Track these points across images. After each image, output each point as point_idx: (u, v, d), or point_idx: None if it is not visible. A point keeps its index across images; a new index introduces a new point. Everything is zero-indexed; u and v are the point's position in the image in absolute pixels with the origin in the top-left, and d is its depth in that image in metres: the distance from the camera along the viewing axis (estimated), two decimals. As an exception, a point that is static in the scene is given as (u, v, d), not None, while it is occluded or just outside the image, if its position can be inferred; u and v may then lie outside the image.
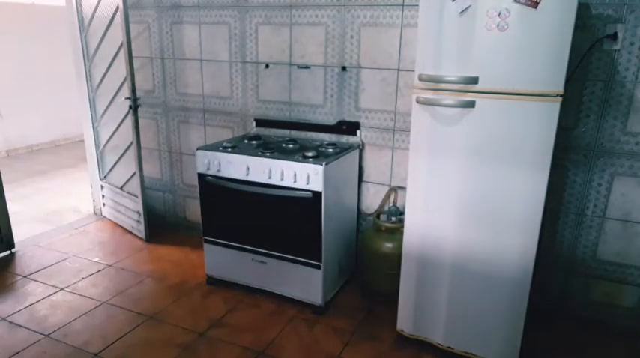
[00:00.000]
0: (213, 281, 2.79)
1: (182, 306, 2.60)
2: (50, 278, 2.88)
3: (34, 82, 6.00)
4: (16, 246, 3.26)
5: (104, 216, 3.88)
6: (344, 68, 2.71)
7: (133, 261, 3.11)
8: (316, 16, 2.71)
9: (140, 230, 3.42)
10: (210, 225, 2.71)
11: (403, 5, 2.48)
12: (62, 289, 2.77)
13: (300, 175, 2.35)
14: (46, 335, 2.34)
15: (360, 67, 2.67)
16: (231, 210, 2.61)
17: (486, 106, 1.84)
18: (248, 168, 2.47)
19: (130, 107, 3.12)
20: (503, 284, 1.98)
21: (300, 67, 2.83)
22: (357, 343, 2.31)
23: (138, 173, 3.26)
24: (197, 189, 2.69)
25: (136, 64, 3.24)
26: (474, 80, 1.82)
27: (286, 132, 2.97)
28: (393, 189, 2.74)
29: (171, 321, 2.46)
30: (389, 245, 2.53)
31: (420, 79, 1.92)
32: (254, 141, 2.73)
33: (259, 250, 2.61)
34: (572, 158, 2.36)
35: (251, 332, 2.38)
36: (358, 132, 2.75)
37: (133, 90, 3.10)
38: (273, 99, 2.97)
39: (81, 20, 3.55)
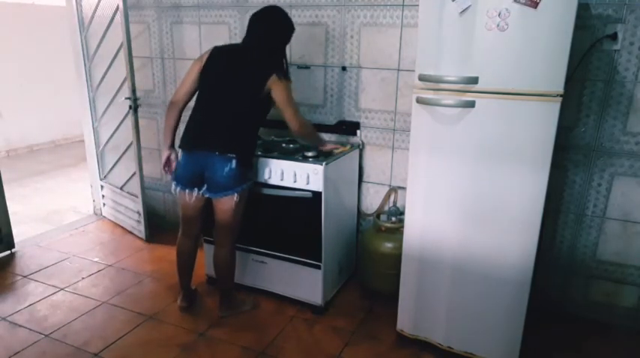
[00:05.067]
0: (213, 281, 2.79)
1: (184, 311, 2.58)
2: (50, 278, 2.88)
3: (34, 82, 6.00)
4: (16, 246, 3.26)
5: (104, 216, 3.88)
6: (344, 68, 2.71)
7: (133, 261, 3.12)
8: (316, 16, 2.71)
9: (140, 230, 3.42)
10: (210, 225, 2.70)
11: (403, 5, 2.48)
12: (62, 289, 2.77)
13: (300, 175, 2.35)
14: (46, 335, 2.34)
15: (360, 67, 2.67)
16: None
17: (486, 106, 1.84)
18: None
19: (130, 107, 3.12)
20: (503, 284, 1.98)
21: (300, 67, 2.83)
22: (357, 343, 2.31)
23: (138, 173, 3.26)
24: (197, 189, 2.69)
25: (136, 64, 3.23)
26: (474, 80, 1.82)
27: (286, 132, 2.96)
28: (393, 189, 2.74)
29: (171, 321, 2.46)
30: (389, 245, 2.53)
31: (420, 79, 1.92)
32: (254, 141, 2.73)
33: (259, 250, 2.61)
34: (572, 158, 2.36)
35: (251, 332, 2.38)
36: (358, 132, 2.75)
37: (133, 91, 3.10)
38: (273, 99, 2.97)
39: (81, 20, 3.55)
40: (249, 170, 2.29)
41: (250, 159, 2.30)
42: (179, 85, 2.34)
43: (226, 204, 2.24)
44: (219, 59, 2.24)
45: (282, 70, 2.20)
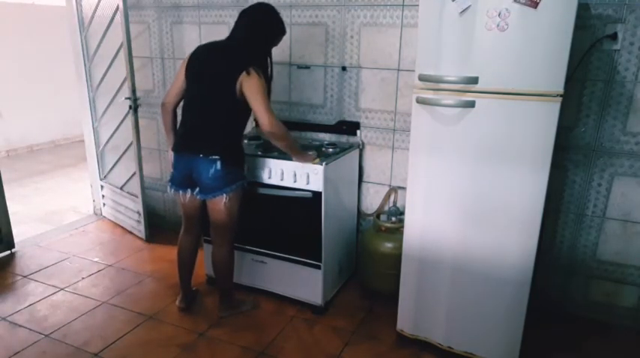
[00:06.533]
0: (212, 281, 2.78)
1: (183, 311, 2.59)
2: (50, 278, 2.88)
3: (34, 82, 6.00)
4: (16, 246, 3.26)
5: (104, 216, 3.88)
6: (344, 68, 2.71)
7: (133, 261, 3.12)
8: (316, 16, 2.71)
9: (140, 230, 3.42)
10: (207, 225, 2.70)
11: (403, 5, 2.48)
12: (62, 289, 2.77)
13: (300, 175, 2.35)
14: (46, 335, 2.34)
15: (360, 67, 2.67)
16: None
17: (486, 106, 1.84)
18: (248, 168, 2.47)
19: (130, 107, 3.12)
20: (503, 284, 1.98)
21: (300, 67, 2.83)
22: (357, 343, 2.31)
23: (138, 173, 3.26)
24: (197, 189, 2.69)
25: (136, 64, 3.23)
26: (474, 80, 1.82)
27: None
28: (393, 189, 2.74)
29: (171, 321, 2.46)
30: (389, 245, 2.53)
31: (420, 79, 1.92)
32: (254, 142, 2.72)
33: (259, 250, 2.61)
34: (572, 158, 2.36)
35: (251, 332, 2.38)
36: (358, 132, 2.75)
37: (133, 91, 3.10)
38: (273, 99, 2.94)
39: (81, 20, 3.55)
40: (238, 170, 2.24)
41: (237, 159, 2.24)
42: (170, 86, 2.34)
43: (217, 204, 2.23)
44: (200, 58, 2.19)
45: (257, 67, 2.09)
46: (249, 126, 3.06)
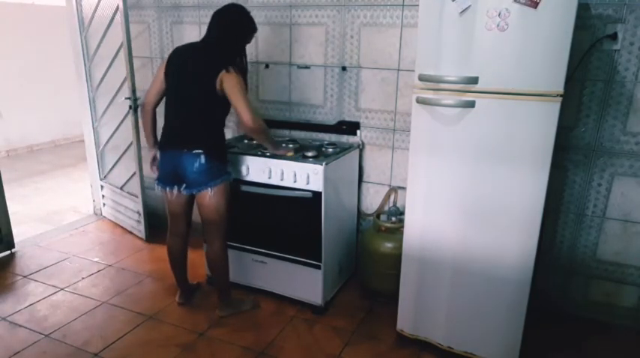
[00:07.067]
0: (213, 281, 2.78)
1: (182, 306, 2.60)
2: (50, 278, 2.88)
3: (34, 82, 6.00)
4: (16, 246, 3.26)
5: (104, 216, 3.88)
6: (344, 68, 2.71)
7: (133, 261, 3.12)
8: (316, 16, 2.71)
9: (140, 230, 3.42)
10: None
11: (403, 5, 2.48)
12: (62, 289, 2.77)
13: (300, 175, 2.35)
14: (46, 335, 2.34)
15: (360, 67, 2.67)
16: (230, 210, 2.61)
17: (486, 106, 1.84)
18: (248, 168, 2.47)
19: (130, 107, 3.13)
20: (503, 284, 1.98)
21: (300, 67, 2.83)
22: (357, 343, 2.31)
23: (138, 173, 3.26)
24: (197, 189, 2.69)
25: (136, 64, 3.23)
26: (474, 80, 1.82)
27: (286, 132, 2.97)
28: (393, 189, 2.74)
29: (171, 321, 2.46)
30: (389, 245, 2.53)
31: (420, 79, 1.92)
32: (254, 141, 2.72)
33: (259, 250, 2.61)
34: (572, 158, 2.36)
35: (251, 332, 2.38)
36: (358, 132, 2.75)
37: (133, 91, 3.10)
38: (273, 99, 2.97)
39: (81, 20, 3.54)
40: (221, 165, 2.29)
41: (220, 154, 2.29)
42: (148, 88, 2.37)
43: (204, 199, 2.28)
44: (180, 58, 2.27)
45: (234, 64, 2.19)
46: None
